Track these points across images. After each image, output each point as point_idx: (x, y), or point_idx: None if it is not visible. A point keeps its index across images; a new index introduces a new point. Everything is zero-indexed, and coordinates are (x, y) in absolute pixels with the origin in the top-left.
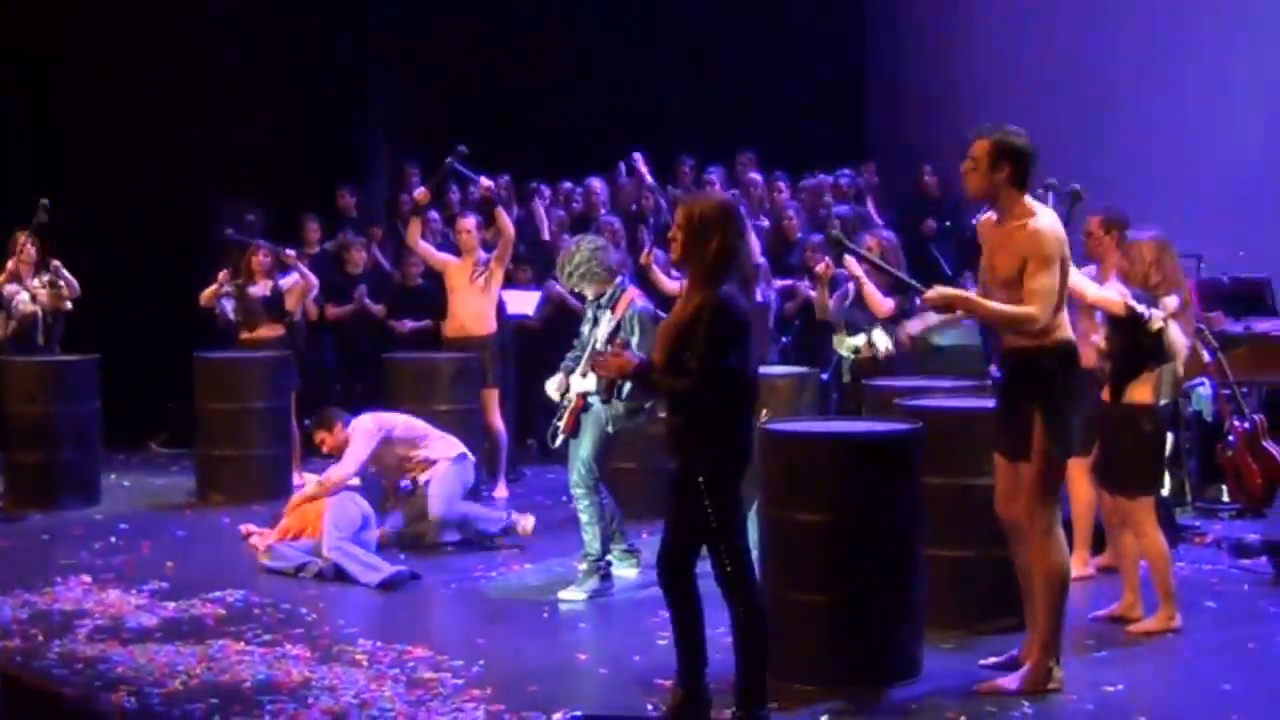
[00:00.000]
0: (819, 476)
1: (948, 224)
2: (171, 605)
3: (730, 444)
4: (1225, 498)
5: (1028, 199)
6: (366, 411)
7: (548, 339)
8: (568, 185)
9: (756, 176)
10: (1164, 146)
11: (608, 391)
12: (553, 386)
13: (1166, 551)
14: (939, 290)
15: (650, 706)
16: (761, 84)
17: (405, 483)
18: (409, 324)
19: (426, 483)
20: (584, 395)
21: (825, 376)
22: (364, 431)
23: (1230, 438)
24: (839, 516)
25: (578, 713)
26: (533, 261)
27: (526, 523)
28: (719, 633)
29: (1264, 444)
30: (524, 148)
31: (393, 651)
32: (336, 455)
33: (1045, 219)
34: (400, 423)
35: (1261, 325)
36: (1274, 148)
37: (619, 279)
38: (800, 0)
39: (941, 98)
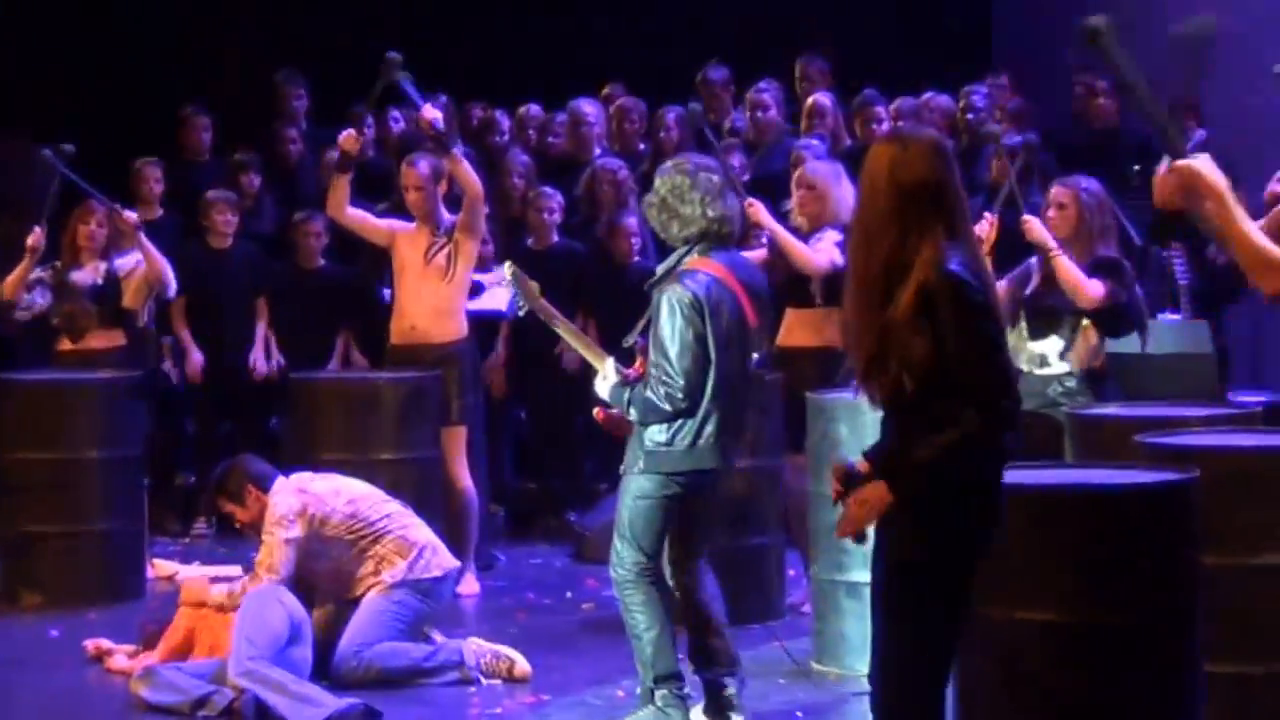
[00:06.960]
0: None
1: (1135, 168)
2: None
3: None
4: None
5: None
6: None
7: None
8: (534, 110)
9: (825, 100)
10: None
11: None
12: None
13: None
14: (1191, 164)
15: None
16: None
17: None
18: None
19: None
20: None
21: None
22: (283, 517)
23: None
24: (1079, 614)
25: None
26: (495, 229)
27: (519, 665)
28: None
29: None
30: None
31: None
32: (254, 534)
33: None
34: (340, 508)
35: None
36: None
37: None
38: None
39: None
